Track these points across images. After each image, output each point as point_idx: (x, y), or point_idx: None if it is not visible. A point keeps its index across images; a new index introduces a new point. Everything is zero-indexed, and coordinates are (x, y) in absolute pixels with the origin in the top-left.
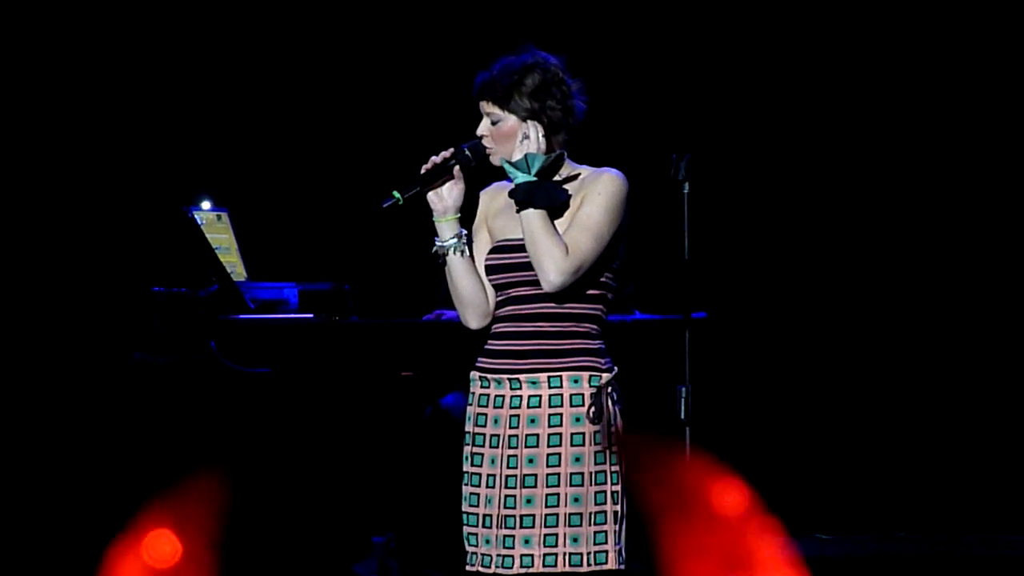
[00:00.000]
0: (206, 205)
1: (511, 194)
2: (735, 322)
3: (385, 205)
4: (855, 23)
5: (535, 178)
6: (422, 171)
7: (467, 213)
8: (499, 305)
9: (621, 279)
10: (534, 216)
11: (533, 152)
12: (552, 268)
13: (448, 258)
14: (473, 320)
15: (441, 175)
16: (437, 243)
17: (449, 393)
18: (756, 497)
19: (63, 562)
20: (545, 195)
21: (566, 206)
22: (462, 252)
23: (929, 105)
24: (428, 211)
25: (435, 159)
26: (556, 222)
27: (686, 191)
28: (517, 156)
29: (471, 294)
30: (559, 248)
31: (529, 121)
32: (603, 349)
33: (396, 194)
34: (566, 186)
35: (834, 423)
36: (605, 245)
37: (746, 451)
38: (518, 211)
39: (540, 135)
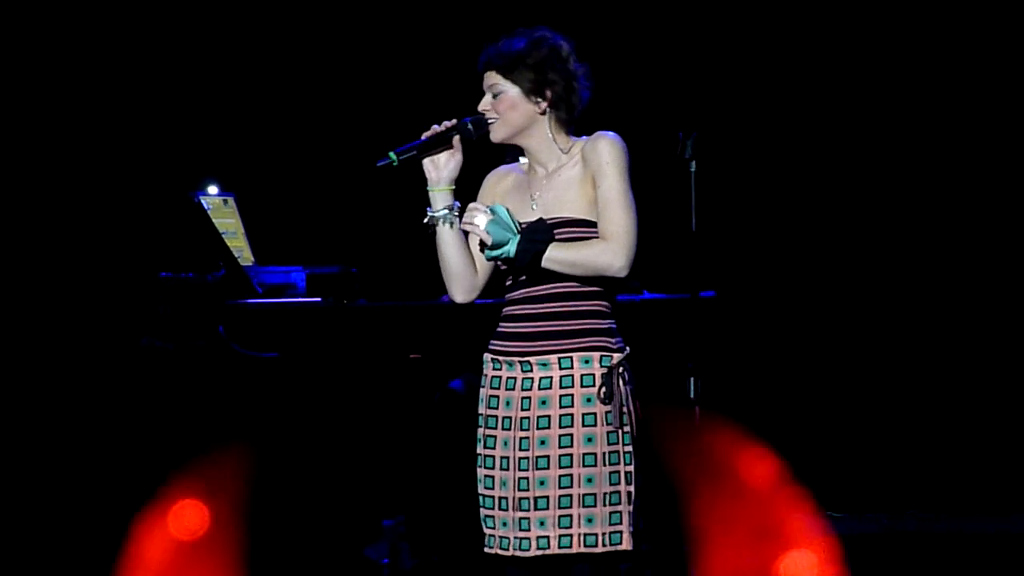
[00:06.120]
0: (212, 190)
1: (517, 261)
2: (744, 300)
3: (379, 165)
4: (863, 4)
5: (518, 235)
6: (423, 137)
7: (464, 188)
8: (510, 288)
9: None
10: (553, 254)
11: (490, 219)
12: (609, 262)
13: (437, 229)
14: (459, 294)
15: (440, 144)
16: (429, 213)
17: (458, 376)
18: (785, 470)
19: (75, 552)
20: (540, 236)
21: (576, 200)
22: (451, 224)
23: (936, 89)
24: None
25: (437, 127)
26: (571, 210)
27: (693, 170)
28: (488, 239)
29: (458, 267)
30: (597, 246)
31: (460, 206)
32: (614, 329)
33: (392, 155)
34: (569, 162)
35: (843, 400)
36: (635, 207)
37: (755, 430)
38: (537, 267)
39: (480, 217)
